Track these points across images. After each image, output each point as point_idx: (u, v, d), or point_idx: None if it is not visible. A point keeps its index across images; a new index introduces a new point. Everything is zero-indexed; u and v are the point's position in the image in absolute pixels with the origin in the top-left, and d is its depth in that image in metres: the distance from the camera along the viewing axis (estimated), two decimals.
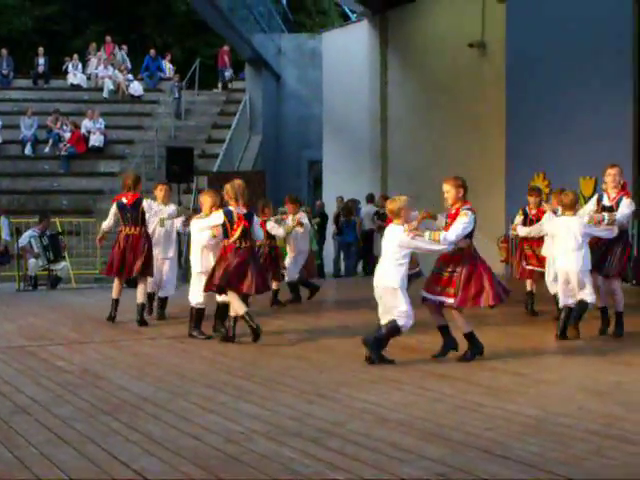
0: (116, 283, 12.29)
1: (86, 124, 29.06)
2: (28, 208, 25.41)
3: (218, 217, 10.39)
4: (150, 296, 12.68)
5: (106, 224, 12.37)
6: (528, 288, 13.06)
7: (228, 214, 10.34)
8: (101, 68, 32.84)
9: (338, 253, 22.90)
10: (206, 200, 10.80)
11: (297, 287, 14.43)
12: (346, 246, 22.46)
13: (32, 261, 19.30)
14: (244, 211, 10.40)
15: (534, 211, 12.76)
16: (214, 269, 10.35)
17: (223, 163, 26.09)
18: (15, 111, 30.31)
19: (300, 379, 8.28)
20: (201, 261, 10.75)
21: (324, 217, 22.89)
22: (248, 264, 10.31)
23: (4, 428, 6.45)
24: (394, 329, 8.89)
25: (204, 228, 10.58)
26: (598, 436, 6.15)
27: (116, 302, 12.24)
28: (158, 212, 12.24)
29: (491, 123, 21.35)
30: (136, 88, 32.24)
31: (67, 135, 28.62)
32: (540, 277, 12.99)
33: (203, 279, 10.55)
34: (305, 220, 14.21)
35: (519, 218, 12.79)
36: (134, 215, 11.97)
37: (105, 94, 31.98)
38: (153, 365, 9.12)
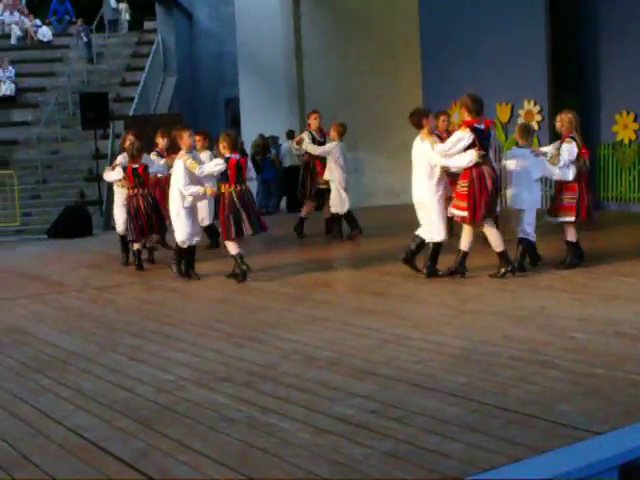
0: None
1: None
2: None
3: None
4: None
5: None
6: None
7: None
8: (7, 14, 31.94)
9: (258, 191, 22.73)
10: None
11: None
12: (266, 184, 22.29)
13: None
14: None
15: None
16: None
17: (139, 106, 25.65)
18: None
19: (228, 322, 8.32)
20: None
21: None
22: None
23: None
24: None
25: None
26: (523, 362, 6.30)
27: None
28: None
29: (406, 52, 21.33)
30: (45, 33, 31.43)
31: None
32: None
33: None
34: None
35: None
36: None
37: (13, 41, 31.15)
38: (80, 318, 9.07)
